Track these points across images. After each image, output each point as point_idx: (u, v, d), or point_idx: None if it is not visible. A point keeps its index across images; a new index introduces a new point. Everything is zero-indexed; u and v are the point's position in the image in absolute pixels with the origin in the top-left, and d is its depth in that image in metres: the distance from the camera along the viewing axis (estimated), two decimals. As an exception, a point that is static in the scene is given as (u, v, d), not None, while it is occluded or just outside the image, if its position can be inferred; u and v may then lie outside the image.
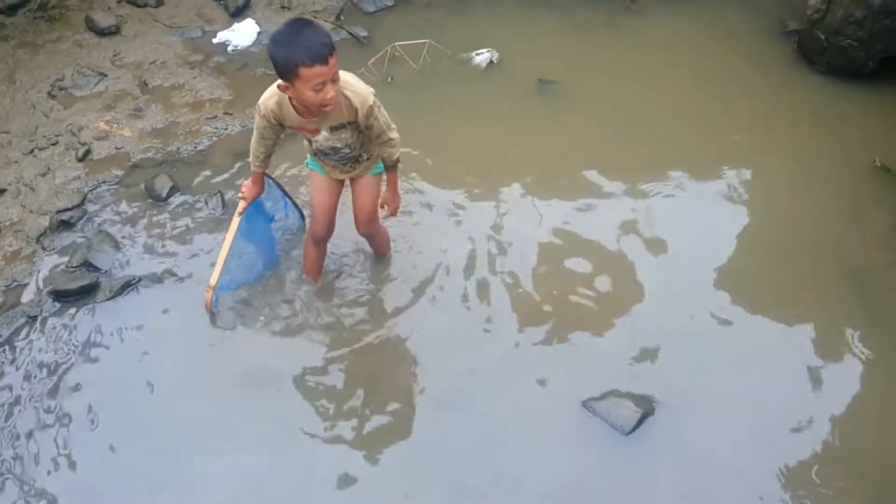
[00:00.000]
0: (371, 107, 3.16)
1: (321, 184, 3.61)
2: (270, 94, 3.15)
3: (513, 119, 5.03)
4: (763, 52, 5.65)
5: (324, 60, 2.85)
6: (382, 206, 3.67)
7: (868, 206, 4.46)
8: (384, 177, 3.60)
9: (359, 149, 3.40)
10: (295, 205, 4.11)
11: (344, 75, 3.10)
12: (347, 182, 3.65)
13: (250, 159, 3.49)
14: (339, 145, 3.33)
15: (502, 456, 3.33)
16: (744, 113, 5.13)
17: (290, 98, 3.08)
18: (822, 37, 5.33)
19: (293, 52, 2.84)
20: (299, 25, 2.92)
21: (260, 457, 3.32)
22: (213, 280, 3.65)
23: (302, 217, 4.17)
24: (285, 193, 4.03)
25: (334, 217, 3.73)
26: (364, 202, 3.65)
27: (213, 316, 3.77)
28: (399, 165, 3.49)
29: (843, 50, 5.27)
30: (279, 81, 2.99)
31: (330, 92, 2.95)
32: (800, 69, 5.48)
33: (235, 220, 3.68)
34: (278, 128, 3.27)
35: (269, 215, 3.99)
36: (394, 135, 3.33)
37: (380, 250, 4.03)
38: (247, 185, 3.65)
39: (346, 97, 3.11)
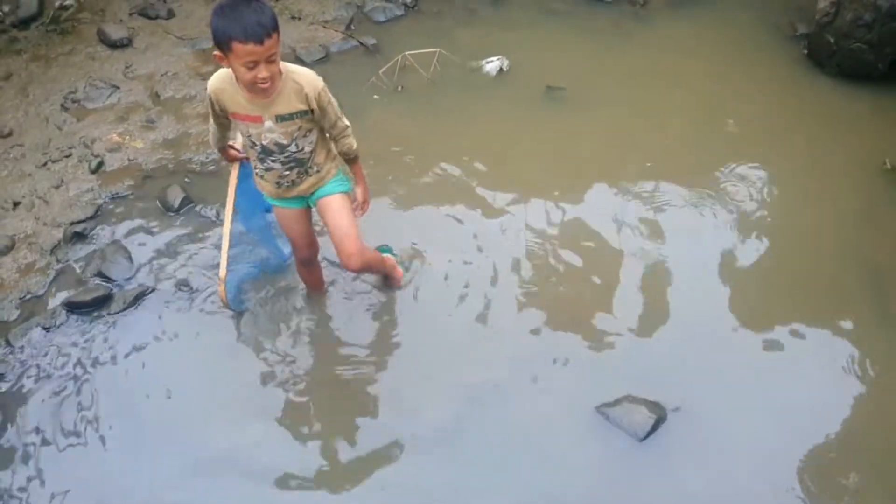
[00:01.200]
0: (322, 90, 3.09)
1: (286, 216, 3.50)
2: (217, 77, 3.12)
3: (522, 126, 5.04)
4: (773, 55, 5.64)
5: (258, 40, 2.80)
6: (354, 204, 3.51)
7: (881, 208, 4.45)
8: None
9: (307, 151, 3.23)
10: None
11: (291, 66, 3.07)
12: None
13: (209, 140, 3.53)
14: (284, 141, 3.15)
15: (516, 462, 3.32)
16: (754, 117, 5.12)
17: (233, 76, 3.02)
18: (832, 40, 5.32)
19: (228, 26, 2.82)
20: (242, 1, 2.85)
21: (273, 475, 3.31)
22: (222, 272, 3.60)
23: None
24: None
25: (313, 237, 3.66)
26: (338, 221, 3.38)
27: (233, 310, 3.79)
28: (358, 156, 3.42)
29: (853, 53, 5.26)
30: (218, 52, 2.93)
31: (263, 72, 2.88)
32: (810, 72, 5.48)
33: (232, 187, 3.65)
34: (222, 117, 3.23)
35: (264, 202, 3.66)
36: (347, 122, 3.26)
37: (386, 280, 3.94)
38: (227, 152, 3.64)
39: (296, 82, 3.04)
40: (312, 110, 3.12)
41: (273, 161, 3.24)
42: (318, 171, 3.33)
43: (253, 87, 2.96)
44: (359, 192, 3.49)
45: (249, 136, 3.19)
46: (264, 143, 3.17)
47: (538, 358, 3.71)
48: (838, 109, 5.18)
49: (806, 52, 5.61)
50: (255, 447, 3.38)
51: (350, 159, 3.39)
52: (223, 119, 3.27)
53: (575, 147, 4.88)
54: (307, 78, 3.07)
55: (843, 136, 4.95)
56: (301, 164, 3.27)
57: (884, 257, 4.17)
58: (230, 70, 3.00)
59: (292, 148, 3.20)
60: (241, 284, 3.91)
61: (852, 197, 4.51)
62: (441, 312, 3.88)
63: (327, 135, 3.31)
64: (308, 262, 3.77)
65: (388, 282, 3.96)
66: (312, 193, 3.40)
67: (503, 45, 5.67)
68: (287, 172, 3.27)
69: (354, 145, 3.32)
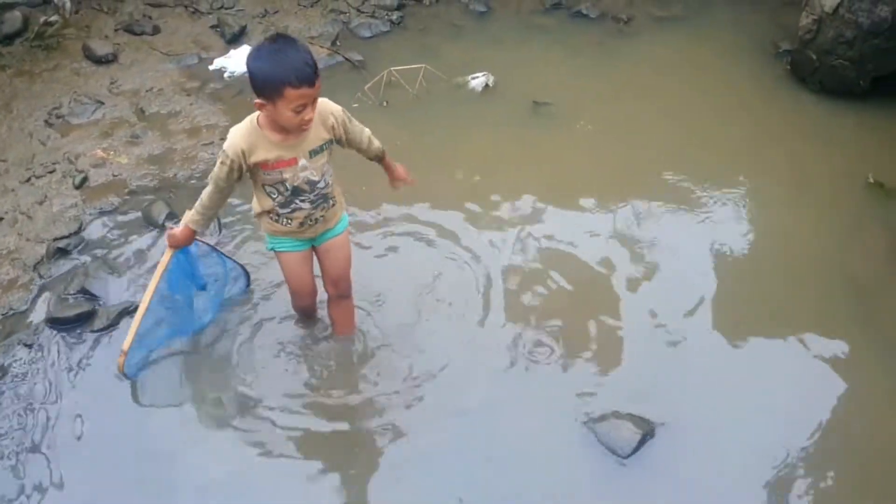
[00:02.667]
0: (343, 111, 3.11)
1: (293, 261, 3.41)
2: (240, 134, 2.98)
3: (509, 141, 5.06)
4: (756, 72, 5.70)
5: (311, 82, 2.79)
6: (398, 183, 3.54)
7: (864, 223, 4.48)
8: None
9: (330, 184, 3.21)
10: (241, 266, 3.95)
11: None
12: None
13: (192, 212, 3.23)
14: (316, 178, 3.11)
15: (502, 477, 3.30)
16: (738, 133, 5.16)
17: (261, 125, 2.96)
18: (814, 57, 5.38)
19: (278, 71, 2.74)
20: (283, 43, 2.82)
21: (252, 496, 3.27)
22: (126, 344, 3.40)
23: (247, 280, 3.98)
24: (224, 255, 3.86)
25: (314, 284, 3.61)
26: (340, 259, 3.46)
27: (128, 378, 3.55)
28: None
29: (835, 69, 5.31)
30: (257, 100, 2.85)
31: (310, 113, 2.88)
32: (793, 89, 5.53)
33: (158, 273, 3.39)
34: (238, 173, 3.06)
35: (199, 280, 3.70)
36: (368, 129, 3.29)
37: (347, 323, 3.75)
38: (175, 233, 3.32)
39: (320, 114, 3.02)
40: (336, 137, 3.13)
41: (302, 201, 3.15)
42: (333, 205, 3.29)
43: (296, 129, 2.93)
44: (401, 170, 3.52)
45: (281, 182, 3.07)
46: (296, 184, 3.08)
47: (523, 374, 3.69)
48: (821, 125, 5.23)
49: (789, 68, 5.66)
50: (240, 473, 3.32)
51: (382, 157, 3.41)
52: (236, 181, 3.10)
53: (561, 162, 4.90)
54: (326, 105, 3.07)
55: (827, 151, 4.99)
56: (326, 200, 3.22)
57: (867, 271, 4.20)
58: (252, 120, 2.96)
59: (321, 184, 3.15)
60: (147, 354, 3.66)
61: (836, 212, 4.54)
62: (424, 329, 3.86)
63: (357, 150, 3.30)
64: (309, 310, 3.73)
65: (345, 327, 3.79)
66: (326, 231, 3.36)
67: (489, 61, 5.69)
68: (313, 211, 3.21)
69: (379, 143, 3.36)
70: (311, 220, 3.25)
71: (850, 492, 3.29)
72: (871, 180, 4.70)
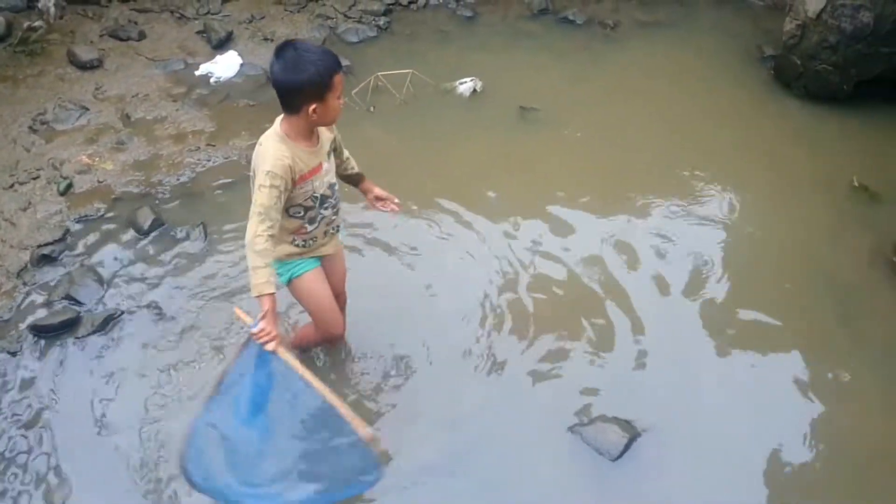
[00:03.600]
0: None
1: (319, 278, 3.22)
2: (279, 149, 2.82)
3: (496, 146, 5.07)
4: (741, 77, 5.73)
5: (340, 64, 2.84)
6: (381, 203, 3.35)
7: (849, 226, 4.52)
8: None
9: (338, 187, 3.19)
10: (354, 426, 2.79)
11: None
12: None
13: (253, 271, 2.76)
14: (333, 180, 3.09)
15: (489, 483, 3.30)
16: (724, 137, 5.19)
17: (289, 136, 2.87)
18: (798, 62, 5.42)
19: (324, 66, 2.75)
20: (295, 46, 2.78)
21: None
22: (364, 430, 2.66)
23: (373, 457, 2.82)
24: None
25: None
26: (342, 270, 3.44)
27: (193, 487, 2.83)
28: None
29: (819, 74, 5.35)
30: (313, 106, 2.76)
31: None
32: (777, 94, 5.57)
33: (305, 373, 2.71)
34: (285, 195, 2.86)
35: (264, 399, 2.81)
36: None
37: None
38: (268, 317, 2.75)
39: None
40: (334, 136, 3.13)
41: (326, 209, 3.09)
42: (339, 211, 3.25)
43: (336, 118, 2.92)
44: (382, 192, 3.39)
45: (312, 194, 2.98)
46: (322, 191, 3.03)
47: (510, 380, 3.69)
48: (805, 130, 5.27)
49: (773, 73, 5.71)
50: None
51: (361, 176, 3.37)
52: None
53: (548, 167, 4.91)
54: None
55: (811, 155, 5.03)
56: (338, 202, 3.19)
57: (851, 274, 4.23)
58: (277, 135, 2.85)
59: (336, 186, 3.14)
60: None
61: (820, 215, 4.57)
62: (410, 336, 3.84)
63: (338, 160, 3.24)
64: (339, 338, 3.55)
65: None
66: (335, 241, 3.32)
67: (476, 66, 5.71)
68: (334, 217, 3.18)
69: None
70: (333, 229, 3.21)
71: (834, 491, 3.31)
72: (856, 183, 4.74)
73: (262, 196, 2.78)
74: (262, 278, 2.79)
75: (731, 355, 3.82)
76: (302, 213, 3.02)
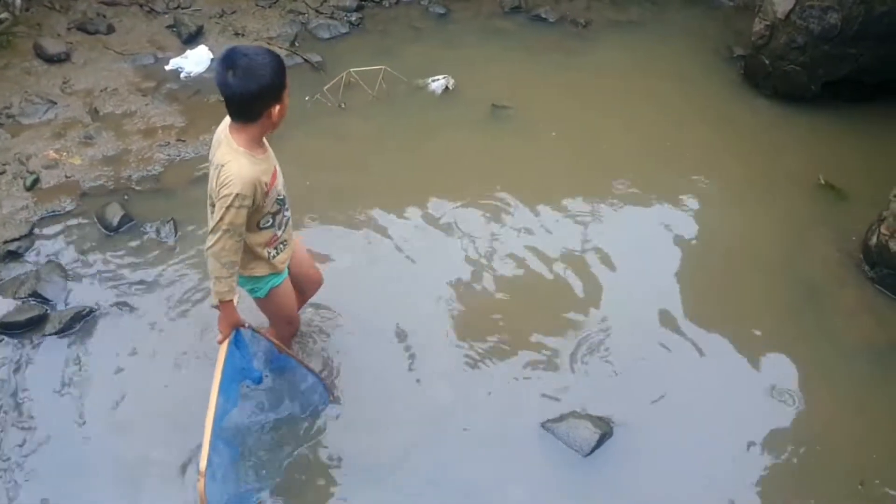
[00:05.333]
0: None
1: (289, 287, 3.25)
2: (246, 167, 2.73)
3: (468, 145, 5.07)
4: (711, 76, 5.79)
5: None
6: None
7: (816, 224, 4.58)
8: None
9: None
10: (316, 375, 3.51)
11: None
12: None
13: (219, 283, 2.84)
14: (282, 179, 3.00)
15: (461, 479, 3.31)
16: (693, 136, 5.23)
17: (247, 149, 2.78)
18: (767, 62, 5.48)
19: (278, 62, 2.71)
20: (244, 52, 2.68)
21: None
22: (203, 464, 2.77)
23: (325, 393, 3.53)
24: (300, 363, 3.46)
25: None
26: (304, 252, 3.40)
27: None
28: None
29: (787, 74, 5.43)
30: (276, 108, 2.73)
31: None
32: (746, 93, 5.63)
33: (218, 372, 2.92)
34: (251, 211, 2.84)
35: (254, 373, 3.25)
36: None
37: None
38: (225, 319, 2.97)
39: None
40: None
41: (287, 209, 3.05)
42: None
43: (281, 121, 2.83)
44: None
45: (277, 199, 2.93)
46: (284, 193, 2.99)
47: (482, 376, 3.71)
48: (774, 129, 5.33)
49: (742, 73, 5.77)
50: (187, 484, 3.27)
51: None
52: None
53: (519, 166, 4.92)
54: None
55: (779, 154, 5.09)
56: None
57: (818, 271, 4.29)
58: (238, 152, 2.75)
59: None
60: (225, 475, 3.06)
61: (788, 213, 4.64)
62: (379, 333, 3.84)
63: None
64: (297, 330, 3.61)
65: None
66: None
67: (449, 63, 5.70)
68: (289, 213, 3.11)
69: None
70: (291, 227, 3.15)
71: (804, 488, 3.36)
72: (822, 181, 4.81)
73: (231, 215, 2.74)
74: (225, 286, 2.85)
75: (702, 353, 3.86)
76: (271, 222, 2.96)
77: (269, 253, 3.03)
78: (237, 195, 2.71)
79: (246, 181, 2.72)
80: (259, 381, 3.33)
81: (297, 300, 3.41)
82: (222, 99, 2.74)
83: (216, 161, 2.79)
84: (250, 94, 2.67)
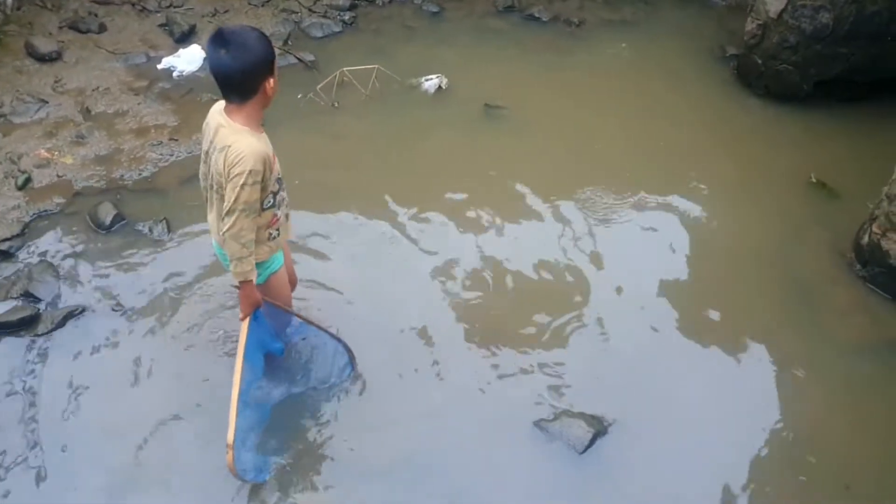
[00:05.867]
0: None
1: (284, 276, 3.29)
2: (255, 143, 2.76)
3: (460, 144, 5.07)
4: (703, 76, 5.80)
5: None
6: None
7: (808, 223, 4.60)
8: None
9: None
10: (341, 342, 3.58)
11: None
12: None
13: (241, 263, 2.87)
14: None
15: (455, 478, 3.31)
16: (686, 135, 5.25)
17: (252, 128, 2.81)
18: (759, 61, 5.50)
19: (264, 36, 2.77)
20: (232, 31, 2.73)
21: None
22: (230, 436, 2.87)
23: (349, 358, 3.61)
24: (320, 328, 3.53)
25: None
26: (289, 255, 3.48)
27: (244, 480, 3.13)
28: None
29: (780, 74, 5.44)
30: (271, 81, 2.77)
31: None
32: (739, 93, 5.65)
33: (241, 349, 3.02)
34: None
35: (274, 344, 3.36)
36: None
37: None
38: (247, 297, 3.01)
39: None
40: None
41: (283, 189, 3.05)
42: None
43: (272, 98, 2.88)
44: None
45: (277, 176, 2.94)
46: (279, 178, 2.97)
47: (476, 375, 3.71)
48: (766, 128, 5.35)
49: (735, 72, 5.79)
50: (187, 476, 3.27)
51: None
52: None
53: (512, 165, 4.92)
54: None
55: (771, 153, 5.11)
56: None
57: (810, 268, 4.31)
58: (245, 130, 2.77)
59: None
60: (254, 443, 3.22)
61: (780, 211, 4.65)
62: (372, 334, 3.82)
63: None
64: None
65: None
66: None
67: (442, 62, 5.70)
68: (286, 192, 3.11)
69: None
70: (287, 206, 3.14)
71: (796, 486, 3.37)
72: (814, 179, 4.83)
73: (245, 194, 2.75)
74: (248, 265, 2.90)
75: (695, 351, 3.87)
76: (272, 202, 2.97)
77: (271, 234, 3.05)
78: (251, 171, 2.74)
79: (257, 156, 2.75)
80: (281, 352, 3.42)
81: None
82: (216, 98, 2.74)
83: (219, 144, 2.80)
84: (248, 69, 2.72)
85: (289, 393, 3.49)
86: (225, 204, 2.81)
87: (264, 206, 2.93)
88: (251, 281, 2.96)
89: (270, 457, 3.31)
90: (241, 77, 2.73)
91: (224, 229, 2.83)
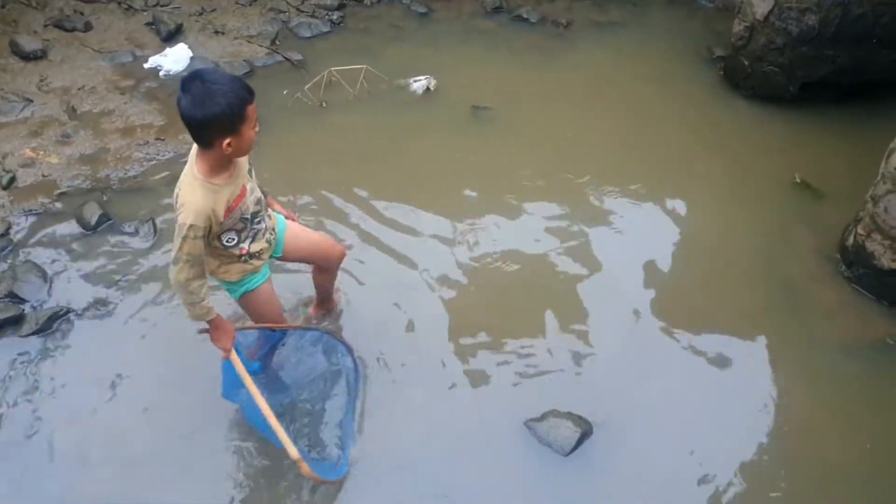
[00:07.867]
0: None
1: (269, 289, 3.20)
2: (200, 197, 2.70)
3: (448, 145, 5.06)
4: (690, 77, 5.82)
5: (252, 91, 2.68)
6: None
7: (794, 223, 4.62)
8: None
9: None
10: (324, 332, 3.62)
11: None
12: None
13: (195, 308, 2.85)
14: (259, 193, 2.98)
15: (443, 478, 3.31)
16: (673, 136, 5.26)
17: (205, 176, 2.73)
18: (747, 63, 5.52)
19: (238, 95, 2.59)
20: (203, 76, 2.60)
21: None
22: (294, 453, 2.87)
23: (353, 361, 3.65)
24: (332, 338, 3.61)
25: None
26: (307, 234, 3.39)
27: (327, 479, 3.17)
28: None
29: (766, 75, 5.47)
30: (227, 140, 2.63)
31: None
32: (726, 94, 5.67)
33: (249, 381, 2.97)
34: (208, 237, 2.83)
35: (252, 365, 3.17)
36: None
37: (332, 290, 3.76)
38: (219, 335, 2.96)
39: None
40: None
41: (258, 222, 2.99)
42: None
43: (251, 146, 2.76)
44: (283, 209, 3.37)
45: (241, 217, 2.88)
46: (252, 210, 2.92)
47: (463, 374, 3.71)
48: (753, 129, 5.37)
49: (722, 74, 5.81)
50: (180, 481, 3.27)
51: (265, 194, 3.14)
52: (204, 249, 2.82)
53: (500, 166, 4.92)
54: None
55: (757, 154, 5.13)
56: (265, 208, 3.07)
57: (796, 269, 4.32)
58: (195, 179, 2.71)
59: (263, 198, 3.03)
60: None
61: (765, 212, 4.67)
62: (362, 334, 3.81)
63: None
64: None
65: (328, 303, 3.84)
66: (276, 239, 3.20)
67: (430, 63, 5.69)
68: (269, 221, 3.08)
69: None
70: (270, 235, 3.09)
71: (785, 487, 3.38)
72: (798, 180, 4.86)
73: (188, 245, 2.72)
74: (202, 310, 2.87)
75: (681, 351, 3.88)
76: (234, 240, 2.92)
77: (242, 258, 3.00)
78: (191, 226, 2.70)
79: (198, 214, 2.70)
80: (260, 370, 3.31)
81: (324, 279, 3.60)
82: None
83: (179, 179, 2.77)
84: (199, 123, 2.61)
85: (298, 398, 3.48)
86: (172, 250, 2.77)
87: (226, 244, 2.90)
88: (214, 318, 2.91)
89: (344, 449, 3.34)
90: (192, 128, 2.64)
91: (172, 278, 2.79)
